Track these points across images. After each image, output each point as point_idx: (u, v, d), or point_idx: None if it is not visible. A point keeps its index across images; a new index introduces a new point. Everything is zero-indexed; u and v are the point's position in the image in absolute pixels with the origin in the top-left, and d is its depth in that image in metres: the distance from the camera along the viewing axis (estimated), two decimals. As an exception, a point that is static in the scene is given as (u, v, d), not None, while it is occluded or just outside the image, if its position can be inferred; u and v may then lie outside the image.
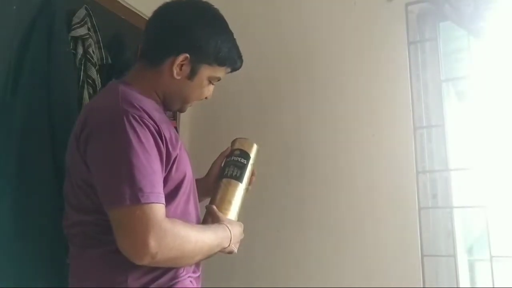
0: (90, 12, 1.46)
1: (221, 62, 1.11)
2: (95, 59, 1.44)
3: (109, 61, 1.54)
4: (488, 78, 1.56)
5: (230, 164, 1.23)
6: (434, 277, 1.53)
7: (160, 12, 1.12)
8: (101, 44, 1.50)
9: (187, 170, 1.06)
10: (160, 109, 1.09)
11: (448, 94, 1.72)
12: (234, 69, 1.17)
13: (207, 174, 1.31)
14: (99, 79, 1.45)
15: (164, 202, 0.91)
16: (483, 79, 1.57)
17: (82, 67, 1.40)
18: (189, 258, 0.98)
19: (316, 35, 1.84)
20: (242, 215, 1.79)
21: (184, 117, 1.96)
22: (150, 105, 1.02)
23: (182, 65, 1.07)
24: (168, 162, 0.98)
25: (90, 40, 1.43)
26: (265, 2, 1.98)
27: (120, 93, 0.98)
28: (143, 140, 0.92)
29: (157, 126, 0.97)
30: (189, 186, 1.07)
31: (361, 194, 1.65)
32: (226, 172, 1.22)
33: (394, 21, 1.69)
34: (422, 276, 1.50)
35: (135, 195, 0.86)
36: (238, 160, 1.23)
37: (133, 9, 1.68)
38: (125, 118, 0.92)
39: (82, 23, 1.42)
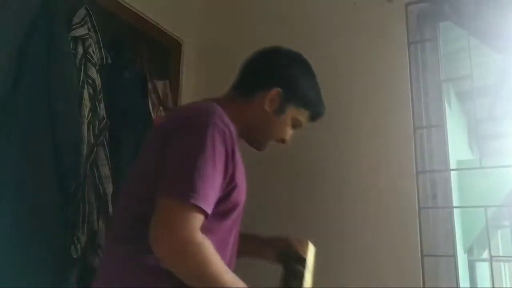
0: (90, 12, 1.46)
1: (307, 105, 1.18)
2: (95, 59, 1.44)
3: (109, 61, 1.54)
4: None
5: (290, 275, 1.23)
6: (434, 277, 1.53)
7: (259, 52, 1.22)
8: (101, 44, 1.50)
9: (241, 203, 1.08)
10: (238, 141, 1.11)
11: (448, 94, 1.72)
12: (316, 115, 1.22)
13: (253, 241, 1.33)
14: (99, 79, 1.45)
15: (208, 214, 0.92)
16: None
17: (82, 67, 1.40)
18: (194, 281, 0.93)
19: (316, 35, 1.84)
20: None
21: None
22: (235, 132, 1.05)
23: (273, 100, 1.14)
24: (228, 186, 1.01)
25: (90, 40, 1.43)
26: (265, 2, 1.98)
27: (216, 109, 1.03)
28: (217, 154, 0.96)
29: (233, 150, 1.01)
30: (237, 218, 1.09)
31: (361, 194, 1.64)
32: (287, 283, 1.22)
33: (394, 21, 1.69)
34: (422, 276, 1.50)
35: (187, 193, 0.89)
36: (297, 269, 1.23)
37: (133, 9, 1.69)
38: (211, 128, 0.96)
39: (82, 23, 1.42)
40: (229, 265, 1.07)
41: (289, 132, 1.21)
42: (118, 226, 1.04)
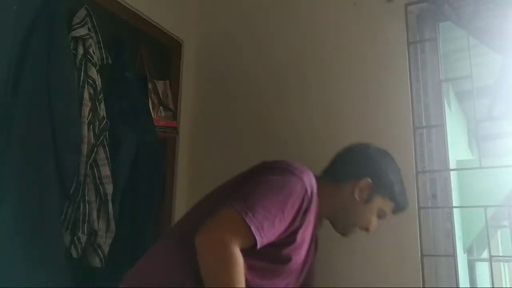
0: (91, 12, 1.46)
1: (392, 198, 1.24)
2: (96, 59, 1.44)
3: (110, 61, 1.54)
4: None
5: None
6: (433, 277, 1.53)
7: (351, 145, 1.33)
8: (102, 44, 1.50)
9: (293, 261, 1.12)
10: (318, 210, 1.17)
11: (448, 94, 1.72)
12: (400, 208, 1.27)
13: None
14: (100, 79, 1.45)
15: (256, 242, 0.98)
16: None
17: (83, 67, 1.40)
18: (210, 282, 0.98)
19: (316, 35, 1.84)
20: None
21: (184, 117, 1.96)
22: (316, 199, 1.12)
23: (362, 189, 1.21)
24: (287, 239, 1.07)
25: (90, 40, 1.43)
26: (265, 3, 1.98)
27: (308, 171, 1.15)
28: (290, 203, 1.04)
29: (306, 211, 1.08)
30: (288, 276, 1.14)
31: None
32: None
33: (394, 21, 1.69)
34: (421, 276, 1.50)
35: (246, 211, 0.97)
36: None
37: (133, 10, 1.69)
38: (296, 179, 1.07)
39: (83, 23, 1.42)
40: None
41: (374, 222, 1.26)
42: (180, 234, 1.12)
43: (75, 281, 1.33)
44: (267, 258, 1.07)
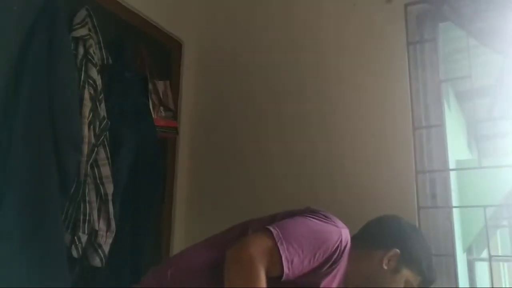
0: (91, 12, 1.46)
1: (420, 272, 1.23)
2: (96, 60, 1.45)
3: (110, 61, 1.54)
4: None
5: None
6: (433, 276, 1.53)
7: (383, 216, 1.34)
8: (102, 44, 1.50)
9: None
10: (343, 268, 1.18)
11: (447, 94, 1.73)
12: (427, 283, 1.26)
13: None
14: (100, 80, 1.45)
15: (282, 274, 1.00)
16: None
17: (83, 68, 1.40)
18: None
19: (316, 36, 1.85)
20: (241, 216, 1.79)
21: (184, 117, 1.96)
22: (347, 253, 1.15)
23: (391, 259, 1.21)
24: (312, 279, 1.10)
25: (91, 40, 1.43)
26: (265, 3, 1.98)
27: (347, 229, 1.18)
28: (324, 246, 1.07)
29: (336, 261, 1.10)
30: None
31: (360, 193, 1.65)
32: None
33: (394, 22, 1.70)
34: (421, 275, 1.50)
35: (280, 238, 1.02)
36: None
37: (133, 10, 1.69)
38: (336, 229, 1.12)
39: (83, 23, 1.42)
40: None
41: None
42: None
43: (75, 281, 1.33)
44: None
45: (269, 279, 1.00)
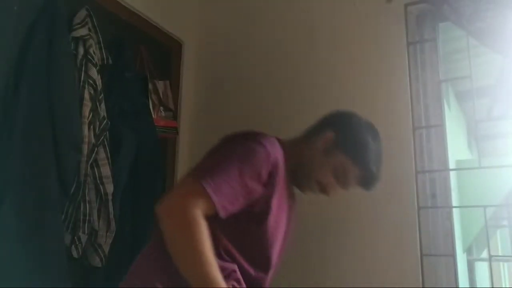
0: (91, 13, 1.46)
1: (356, 161, 1.18)
2: (96, 60, 1.45)
3: (110, 61, 1.54)
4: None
5: None
6: (433, 276, 1.53)
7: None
8: (102, 44, 1.50)
9: (272, 226, 1.11)
10: (287, 172, 1.15)
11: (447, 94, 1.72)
12: (365, 177, 1.20)
13: None
14: (100, 80, 1.45)
15: (219, 206, 0.97)
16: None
17: (83, 68, 1.40)
18: (177, 250, 0.96)
19: (316, 35, 1.85)
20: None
21: (184, 117, 1.96)
22: (282, 163, 1.11)
23: (325, 141, 1.19)
24: (262, 206, 1.07)
25: (91, 40, 1.44)
26: (264, 3, 1.98)
27: (270, 137, 1.14)
28: (251, 165, 1.03)
29: (274, 175, 1.07)
30: (268, 240, 1.12)
31: (360, 193, 1.64)
32: None
33: (394, 22, 1.70)
34: (421, 275, 1.50)
35: (203, 177, 0.97)
36: None
37: (133, 10, 1.69)
38: (259, 146, 1.06)
39: (83, 23, 1.42)
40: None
41: (329, 177, 1.20)
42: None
43: (76, 281, 1.33)
44: (242, 224, 1.06)
45: (215, 219, 0.97)
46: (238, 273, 1.06)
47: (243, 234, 1.07)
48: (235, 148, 1.07)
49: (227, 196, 0.99)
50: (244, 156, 1.04)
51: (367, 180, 1.21)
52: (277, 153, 1.09)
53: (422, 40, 1.70)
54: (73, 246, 1.32)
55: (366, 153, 1.19)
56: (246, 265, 1.08)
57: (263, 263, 1.13)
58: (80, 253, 1.34)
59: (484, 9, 1.50)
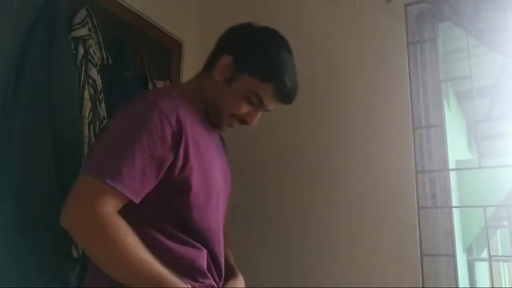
0: (91, 12, 1.46)
1: (264, 77, 1.05)
2: (96, 60, 1.45)
3: (110, 61, 1.54)
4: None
5: None
6: (433, 276, 1.53)
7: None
8: (102, 44, 1.50)
9: (196, 189, 1.01)
10: (200, 118, 1.06)
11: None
12: (279, 92, 1.08)
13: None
14: (100, 80, 1.45)
15: (129, 192, 0.88)
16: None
17: (83, 68, 1.40)
18: (106, 265, 0.87)
19: (316, 35, 1.85)
20: (241, 215, 1.80)
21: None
22: (189, 116, 1.00)
23: (222, 68, 1.06)
24: (182, 169, 0.97)
25: (91, 40, 1.43)
26: (264, 3, 1.98)
27: (162, 94, 1.02)
28: (150, 138, 0.91)
29: (181, 134, 0.95)
30: (204, 205, 1.03)
31: (360, 193, 1.65)
32: None
33: (393, 22, 1.70)
34: (421, 275, 1.50)
35: (100, 171, 0.88)
36: None
37: (133, 10, 1.69)
38: (149, 108, 0.93)
39: (83, 23, 1.42)
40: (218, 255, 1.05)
41: (243, 107, 1.08)
42: None
43: (76, 281, 1.33)
44: (169, 194, 0.97)
45: (130, 208, 0.89)
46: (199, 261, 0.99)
47: (174, 208, 0.98)
48: (125, 122, 0.94)
49: (134, 178, 0.88)
50: (138, 126, 0.91)
51: (285, 94, 1.10)
52: (175, 108, 0.96)
53: (422, 40, 1.70)
54: (73, 246, 1.32)
55: (272, 66, 1.07)
56: (192, 240, 0.99)
57: (205, 230, 1.04)
58: (80, 253, 1.34)
59: (484, 9, 1.50)
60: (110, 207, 0.87)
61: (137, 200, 0.91)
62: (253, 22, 1.14)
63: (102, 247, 0.86)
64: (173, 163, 0.95)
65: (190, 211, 1.00)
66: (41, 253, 1.19)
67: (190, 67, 2.01)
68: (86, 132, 1.37)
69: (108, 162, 0.89)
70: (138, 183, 0.90)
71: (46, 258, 1.21)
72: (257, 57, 1.06)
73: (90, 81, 1.41)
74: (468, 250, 4.14)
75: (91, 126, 1.40)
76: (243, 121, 1.12)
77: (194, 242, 1.01)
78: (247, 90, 1.06)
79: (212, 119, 1.11)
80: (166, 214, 0.98)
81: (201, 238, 1.03)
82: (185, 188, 0.98)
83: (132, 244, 0.86)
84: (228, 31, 1.15)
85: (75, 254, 1.32)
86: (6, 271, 1.12)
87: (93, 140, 1.40)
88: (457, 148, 3.81)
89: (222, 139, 1.22)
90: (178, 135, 0.96)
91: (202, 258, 1.02)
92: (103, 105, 1.46)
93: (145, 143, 0.90)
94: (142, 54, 1.78)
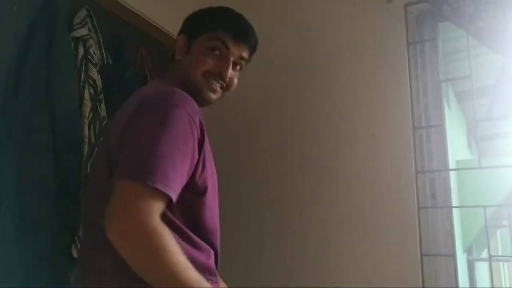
0: (91, 12, 1.46)
1: (213, 25, 1.10)
2: (96, 60, 1.45)
3: (110, 61, 1.54)
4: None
5: None
6: (433, 276, 1.53)
7: None
8: (102, 44, 1.50)
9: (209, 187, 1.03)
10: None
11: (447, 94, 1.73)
12: (234, 30, 1.11)
13: None
14: (100, 79, 1.45)
15: (171, 197, 0.86)
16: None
17: (83, 68, 1.40)
18: (148, 271, 0.83)
19: (316, 35, 1.85)
20: (241, 215, 1.80)
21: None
22: (202, 114, 1.03)
23: (179, 46, 1.12)
24: (201, 171, 0.97)
25: (91, 40, 1.43)
26: (264, 3, 1.98)
27: (177, 90, 1.01)
28: (182, 136, 0.91)
29: (202, 131, 0.99)
30: (210, 204, 1.04)
31: (360, 193, 1.65)
32: None
33: (394, 22, 1.70)
34: (421, 275, 1.50)
35: (144, 175, 0.83)
36: None
37: (133, 10, 1.69)
38: (175, 109, 0.93)
39: (83, 23, 1.42)
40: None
41: (209, 60, 1.09)
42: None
43: (76, 281, 1.33)
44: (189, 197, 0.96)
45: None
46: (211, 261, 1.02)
47: (190, 209, 0.98)
48: (156, 125, 0.90)
49: (178, 182, 0.87)
50: (173, 129, 0.89)
51: (238, 28, 1.13)
52: (196, 109, 0.98)
53: (422, 40, 1.70)
54: (73, 246, 1.32)
55: (218, 13, 1.13)
56: (203, 241, 1.00)
57: (214, 230, 1.06)
58: (80, 253, 1.34)
59: (484, 9, 1.50)
60: (158, 214, 0.84)
61: (175, 200, 0.88)
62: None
63: (154, 259, 0.81)
64: (197, 165, 0.96)
65: (204, 211, 1.01)
66: (41, 253, 1.19)
67: (190, 67, 2.01)
68: (86, 132, 1.37)
69: (153, 167, 0.84)
70: (179, 186, 0.89)
71: (46, 258, 1.21)
72: (203, 18, 1.14)
73: (90, 81, 1.41)
74: (468, 250, 4.14)
75: (91, 126, 1.40)
76: (220, 79, 1.13)
77: (205, 243, 1.03)
78: (204, 46, 1.10)
79: (193, 93, 1.07)
80: (181, 214, 0.97)
81: (211, 237, 1.05)
82: (202, 189, 0.99)
83: (179, 253, 0.84)
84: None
85: (75, 254, 1.32)
86: (6, 271, 1.12)
87: (93, 140, 1.40)
88: (457, 148, 3.81)
89: None
90: (202, 137, 0.98)
91: (212, 258, 1.04)
92: (103, 105, 1.46)
93: (181, 146, 0.90)
94: (142, 54, 1.78)
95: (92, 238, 0.98)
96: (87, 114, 1.38)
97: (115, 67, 1.57)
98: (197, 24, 1.14)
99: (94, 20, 1.47)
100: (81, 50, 1.40)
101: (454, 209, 1.60)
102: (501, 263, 4.98)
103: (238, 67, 1.18)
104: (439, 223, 1.58)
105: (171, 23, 1.90)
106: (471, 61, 1.62)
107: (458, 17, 1.55)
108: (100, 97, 1.45)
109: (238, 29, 1.13)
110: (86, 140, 1.37)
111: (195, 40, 1.12)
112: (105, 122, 1.45)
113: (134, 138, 0.90)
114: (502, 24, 1.49)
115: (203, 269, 0.96)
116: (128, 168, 0.86)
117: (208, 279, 0.99)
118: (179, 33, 1.17)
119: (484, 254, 4.37)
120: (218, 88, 1.15)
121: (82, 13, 1.44)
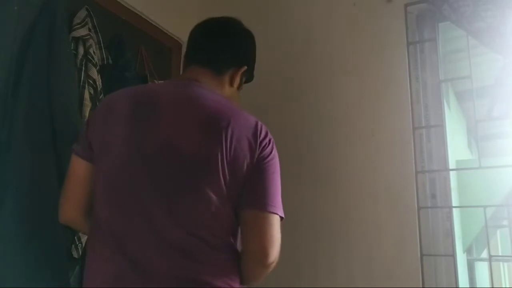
0: (91, 12, 1.46)
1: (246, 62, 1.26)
2: (96, 60, 1.45)
3: (110, 61, 1.54)
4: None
5: None
6: (433, 276, 1.53)
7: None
8: (102, 44, 1.50)
9: None
10: None
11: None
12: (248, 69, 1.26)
13: None
14: (100, 79, 1.45)
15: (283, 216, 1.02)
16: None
17: (83, 68, 1.40)
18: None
19: (316, 35, 1.85)
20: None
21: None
22: None
23: (241, 76, 1.25)
24: None
25: (91, 40, 1.43)
26: (264, 3, 1.98)
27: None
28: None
29: None
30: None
31: (360, 193, 1.65)
32: None
33: (394, 22, 1.70)
34: (421, 275, 1.51)
35: (280, 210, 1.00)
36: None
37: (133, 10, 1.69)
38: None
39: (83, 23, 1.42)
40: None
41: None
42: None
43: (76, 281, 1.33)
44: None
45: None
46: None
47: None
48: (277, 161, 1.10)
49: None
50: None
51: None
52: None
53: (422, 40, 1.70)
54: (73, 246, 1.32)
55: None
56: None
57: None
58: (80, 253, 1.34)
59: (484, 9, 1.50)
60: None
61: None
62: (241, 21, 1.32)
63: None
64: None
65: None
66: (41, 253, 1.19)
67: (190, 67, 2.01)
68: (86, 132, 1.37)
69: (278, 199, 1.01)
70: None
71: (46, 258, 1.20)
72: (252, 58, 1.28)
73: (90, 81, 1.41)
74: (468, 250, 4.14)
75: (91, 126, 1.40)
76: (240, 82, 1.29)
77: None
78: (240, 83, 1.26)
79: None
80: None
81: None
82: None
83: None
84: (238, 39, 1.30)
85: (75, 254, 1.32)
86: (6, 271, 1.12)
87: (93, 140, 1.40)
88: (457, 148, 3.81)
89: None
90: None
91: None
92: (103, 105, 1.46)
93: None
94: (142, 54, 1.78)
95: (179, 244, 0.92)
96: (87, 114, 1.38)
97: (115, 67, 1.57)
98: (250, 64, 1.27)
99: (94, 20, 1.47)
100: (81, 50, 1.41)
101: (454, 209, 1.60)
102: (501, 263, 4.98)
103: None
104: (439, 223, 1.58)
105: (171, 23, 1.90)
106: (471, 61, 1.62)
107: (458, 17, 1.56)
108: (100, 97, 1.45)
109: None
110: (86, 140, 1.37)
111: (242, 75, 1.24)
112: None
113: (275, 176, 1.05)
114: (502, 24, 1.49)
115: None
116: (271, 202, 0.99)
117: None
118: (243, 60, 1.25)
119: (484, 254, 4.36)
120: None
121: (82, 13, 1.44)
